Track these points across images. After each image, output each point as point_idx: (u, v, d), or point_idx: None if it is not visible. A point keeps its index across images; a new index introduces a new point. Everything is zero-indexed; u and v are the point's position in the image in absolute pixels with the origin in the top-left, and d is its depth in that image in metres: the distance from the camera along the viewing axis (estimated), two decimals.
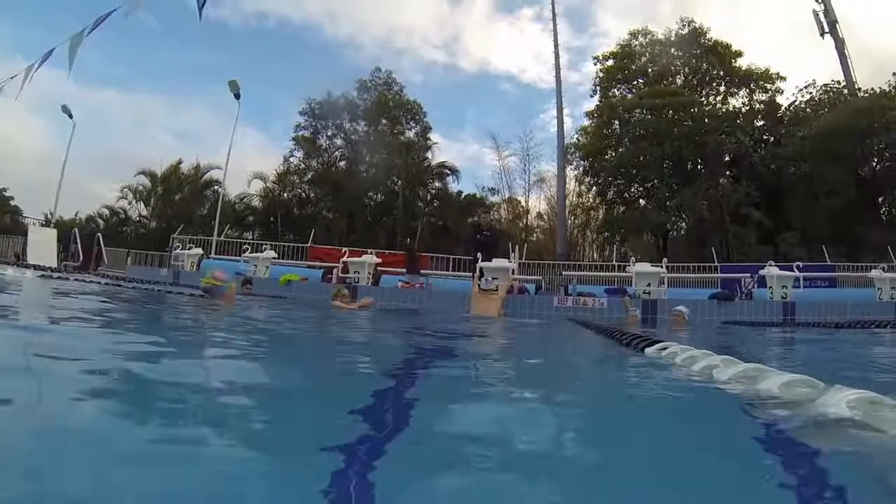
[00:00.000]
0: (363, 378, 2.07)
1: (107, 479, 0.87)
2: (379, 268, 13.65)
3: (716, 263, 17.94)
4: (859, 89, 27.98)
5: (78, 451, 1.00)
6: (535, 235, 34.95)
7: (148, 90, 48.66)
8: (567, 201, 30.42)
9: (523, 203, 36.08)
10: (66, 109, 23.91)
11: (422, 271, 14.13)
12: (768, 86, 31.12)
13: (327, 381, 1.94)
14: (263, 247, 16.27)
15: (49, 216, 26.28)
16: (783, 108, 30.79)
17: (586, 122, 33.32)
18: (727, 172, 29.41)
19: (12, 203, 35.60)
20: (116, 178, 36.41)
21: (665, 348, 2.74)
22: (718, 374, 1.81)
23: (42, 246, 17.63)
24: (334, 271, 13.93)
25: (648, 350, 2.91)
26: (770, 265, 12.80)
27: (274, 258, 15.07)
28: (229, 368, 2.14)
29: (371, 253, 14.33)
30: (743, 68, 31.26)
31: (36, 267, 12.56)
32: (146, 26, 40.33)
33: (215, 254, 19.06)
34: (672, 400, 1.73)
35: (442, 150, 36.25)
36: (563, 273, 16.41)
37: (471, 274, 12.29)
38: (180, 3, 31.50)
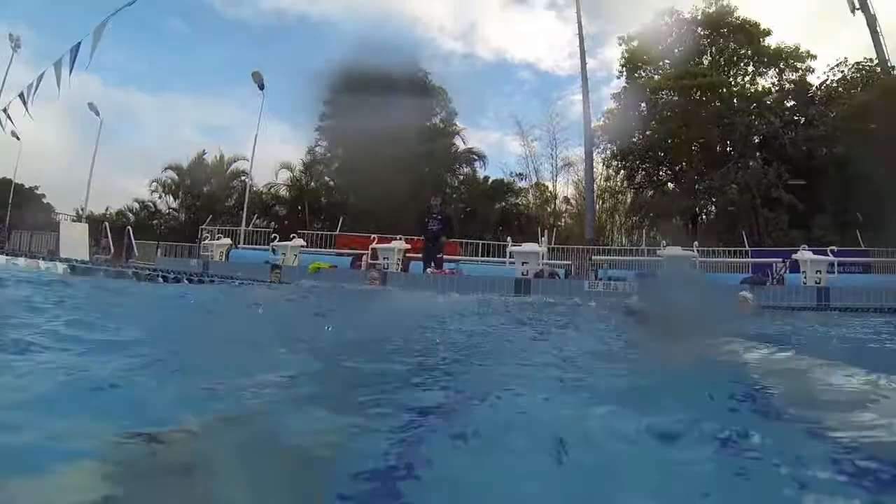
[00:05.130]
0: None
1: None
2: (408, 254, 13.71)
3: (747, 248, 17.71)
4: (893, 67, 27.23)
5: None
6: (563, 221, 34.75)
7: (174, 88, 49.84)
8: (595, 185, 30.18)
9: (550, 188, 35.94)
10: (92, 107, 24.38)
11: (447, 256, 14.06)
12: (798, 65, 30.33)
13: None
14: (292, 235, 16.41)
15: (80, 212, 26.80)
16: (814, 88, 30.05)
17: (612, 105, 32.95)
18: (757, 154, 28.83)
19: (44, 201, 36.36)
20: (146, 174, 36.84)
21: None
22: None
23: (74, 240, 18.00)
24: (363, 258, 14.03)
25: None
26: (804, 249, 12.62)
27: (303, 246, 15.21)
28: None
29: (400, 239, 14.38)
30: (772, 47, 30.53)
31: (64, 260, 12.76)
32: (171, 27, 41.58)
33: (244, 243, 19.28)
34: None
35: (467, 136, 36.08)
36: (593, 258, 16.35)
37: (502, 259, 12.28)
38: (203, 5, 32.17)
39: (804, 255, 12.17)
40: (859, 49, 28.70)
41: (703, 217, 31.12)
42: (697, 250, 12.83)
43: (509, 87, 49.60)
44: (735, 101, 28.81)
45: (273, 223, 16.04)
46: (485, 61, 47.86)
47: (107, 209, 36.82)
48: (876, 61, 27.95)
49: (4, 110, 19.33)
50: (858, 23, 28.44)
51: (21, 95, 18.22)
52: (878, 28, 28.01)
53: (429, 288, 11.03)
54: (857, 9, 28.36)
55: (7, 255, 13.20)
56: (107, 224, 21.97)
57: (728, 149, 29.25)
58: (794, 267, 12.60)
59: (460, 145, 34.90)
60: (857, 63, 28.61)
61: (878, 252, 16.83)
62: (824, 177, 26.46)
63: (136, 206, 36.75)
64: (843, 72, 29.05)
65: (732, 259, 16.56)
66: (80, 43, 17.33)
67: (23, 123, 19.55)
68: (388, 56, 34.47)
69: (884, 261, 16.00)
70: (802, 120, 29.42)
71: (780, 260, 13.90)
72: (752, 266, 15.19)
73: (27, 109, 18.17)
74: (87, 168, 24.42)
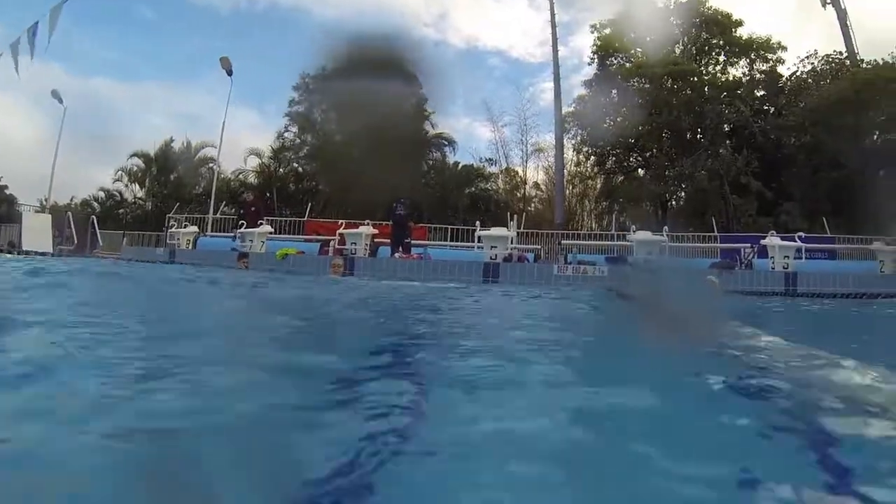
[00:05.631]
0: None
1: None
2: (376, 239, 13.51)
3: (716, 233, 17.84)
4: (861, 60, 27.56)
5: None
6: (532, 206, 34.73)
7: (141, 76, 48.57)
8: (565, 171, 30.16)
9: (521, 173, 35.86)
10: (56, 94, 23.59)
11: (415, 241, 13.89)
12: (769, 56, 30.54)
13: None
14: (259, 221, 16.07)
15: (44, 202, 26.04)
16: (784, 79, 30.34)
17: (583, 91, 32.87)
18: (727, 142, 29.06)
19: (7, 192, 35.23)
20: (112, 163, 35.77)
21: None
22: None
23: (37, 232, 17.52)
24: (331, 243, 13.81)
25: None
26: (772, 235, 12.70)
27: (270, 233, 14.91)
28: None
29: (368, 224, 14.15)
30: (743, 38, 30.70)
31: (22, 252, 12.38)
32: (138, 13, 40.85)
33: (212, 231, 18.92)
34: None
35: (437, 122, 35.67)
36: (563, 242, 16.30)
37: (471, 244, 12.20)
38: None
39: (772, 240, 12.25)
40: (830, 42, 29.08)
41: (673, 203, 31.32)
42: (667, 235, 12.83)
43: (480, 73, 49.63)
44: (706, 89, 28.96)
45: (240, 209, 15.65)
46: (456, 48, 47.72)
47: (71, 199, 35.85)
48: (845, 54, 28.31)
49: None
50: (829, 16, 28.83)
51: None
52: (847, 22, 28.34)
53: (395, 272, 10.87)
54: (828, 3, 28.71)
55: None
56: (70, 214, 21.37)
57: (699, 136, 29.38)
58: (763, 252, 12.66)
59: (430, 130, 34.57)
60: (827, 56, 28.88)
61: (843, 239, 17.09)
62: (792, 165, 26.79)
63: (102, 195, 35.89)
64: (812, 64, 29.29)
65: (702, 244, 16.67)
66: (37, 23, 16.73)
67: None
68: (360, 42, 34.06)
69: (849, 247, 16.23)
70: (772, 110, 29.70)
71: (749, 245, 13.97)
72: (720, 251, 15.29)
73: None
74: (50, 158, 23.63)
